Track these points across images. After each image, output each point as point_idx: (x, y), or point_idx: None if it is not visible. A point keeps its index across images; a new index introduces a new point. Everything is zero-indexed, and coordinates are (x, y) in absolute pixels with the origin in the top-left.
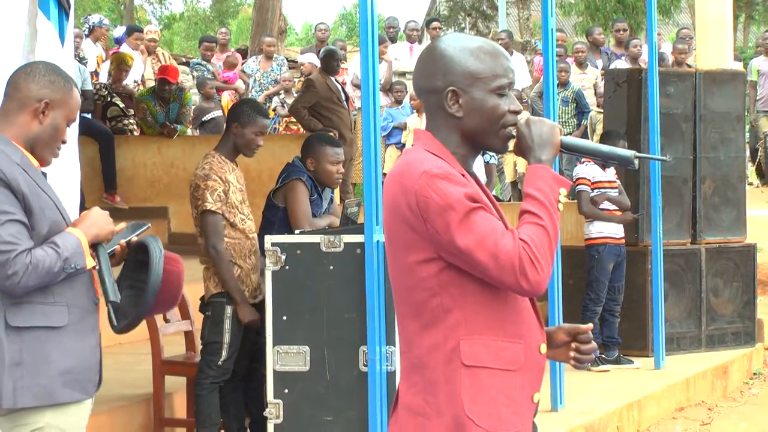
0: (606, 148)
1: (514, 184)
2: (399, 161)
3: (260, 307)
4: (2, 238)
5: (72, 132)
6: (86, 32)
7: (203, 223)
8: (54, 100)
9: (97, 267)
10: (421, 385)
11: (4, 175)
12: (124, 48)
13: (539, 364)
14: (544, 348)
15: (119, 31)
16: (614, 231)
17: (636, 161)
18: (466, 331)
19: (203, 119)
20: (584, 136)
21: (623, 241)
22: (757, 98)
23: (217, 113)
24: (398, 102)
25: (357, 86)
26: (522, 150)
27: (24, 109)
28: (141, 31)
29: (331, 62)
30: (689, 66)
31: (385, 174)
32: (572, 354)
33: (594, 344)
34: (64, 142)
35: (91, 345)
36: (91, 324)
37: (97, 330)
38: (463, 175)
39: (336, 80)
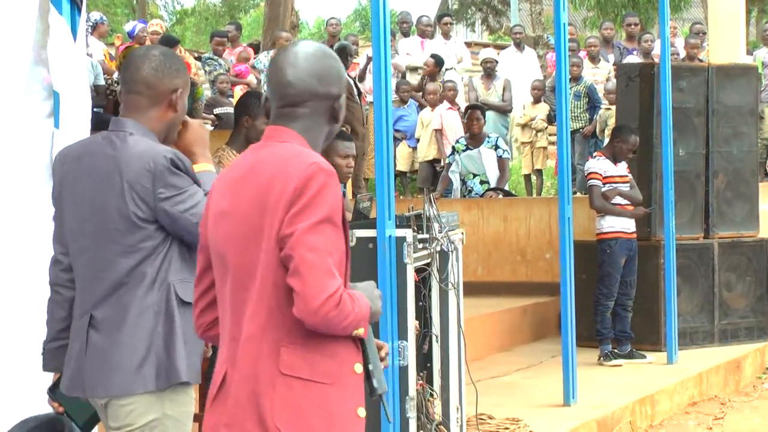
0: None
1: (527, 177)
2: (282, 153)
3: None
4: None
5: (84, 127)
6: (89, 30)
7: None
8: (184, 86)
9: None
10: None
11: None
12: None
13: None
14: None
15: (131, 25)
16: (626, 225)
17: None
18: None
19: (216, 112)
20: (595, 132)
21: (635, 235)
22: (761, 89)
23: (230, 109)
24: (403, 101)
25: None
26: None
27: (159, 103)
28: (177, 42)
29: (341, 57)
30: (701, 61)
31: (401, 171)
32: None
33: (386, 362)
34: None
35: None
36: None
37: None
38: None
39: (348, 75)
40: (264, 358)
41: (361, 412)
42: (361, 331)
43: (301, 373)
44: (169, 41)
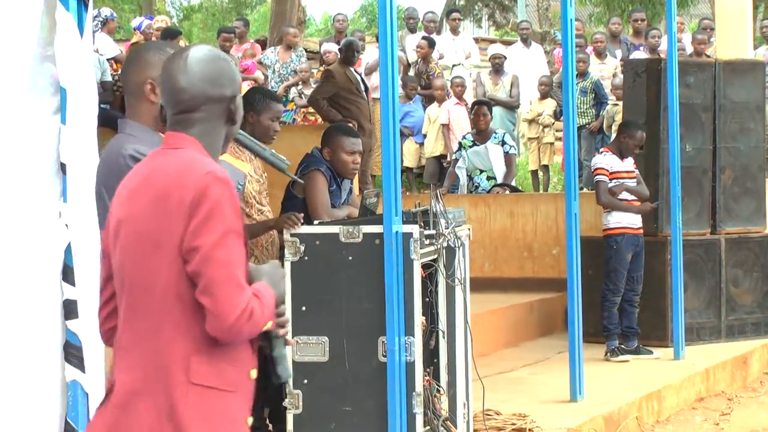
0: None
1: (534, 173)
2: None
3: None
4: None
5: (91, 124)
6: (99, 25)
7: None
8: (156, 76)
9: None
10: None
11: None
12: None
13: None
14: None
15: (137, 21)
16: (632, 221)
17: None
18: None
19: None
20: (601, 127)
21: (641, 231)
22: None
23: None
24: (409, 98)
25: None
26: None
27: (138, 97)
28: (179, 33)
29: (348, 53)
30: (708, 56)
31: (408, 167)
32: None
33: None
34: None
35: None
36: None
37: None
38: None
39: (356, 71)
40: (174, 370)
41: (249, 420)
42: (269, 325)
43: (211, 382)
44: (170, 34)
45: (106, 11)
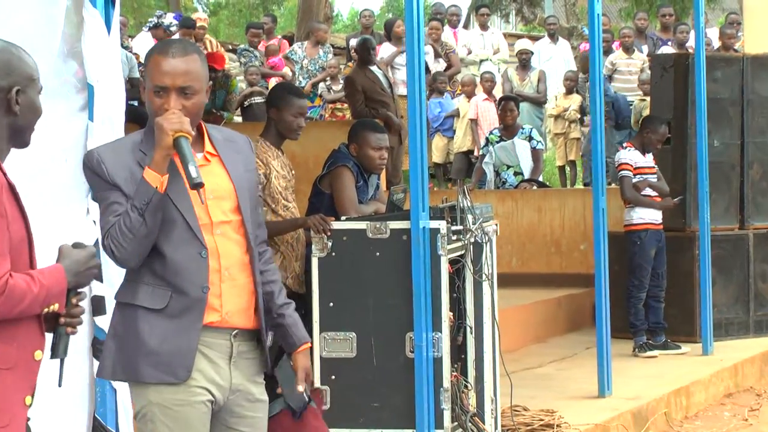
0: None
1: (561, 168)
2: None
3: (306, 295)
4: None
5: (119, 120)
6: (150, 25)
7: None
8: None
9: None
10: None
11: None
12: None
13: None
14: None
15: (167, 18)
16: (654, 217)
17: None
18: None
19: (256, 100)
20: (630, 123)
21: (662, 226)
22: None
23: (260, 99)
24: (440, 92)
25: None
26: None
27: None
28: (193, 27)
29: (363, 54)
30: (736, 51)
31: (437, 163)
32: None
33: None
34: None
35: (185, 330)
36: (195, 311)
37: (200, 318)
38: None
39: (378, 68)
40: None
41: (28, 400)
42: (55, 307)
43: None
44: (183, 23)
45: (167, 19)
